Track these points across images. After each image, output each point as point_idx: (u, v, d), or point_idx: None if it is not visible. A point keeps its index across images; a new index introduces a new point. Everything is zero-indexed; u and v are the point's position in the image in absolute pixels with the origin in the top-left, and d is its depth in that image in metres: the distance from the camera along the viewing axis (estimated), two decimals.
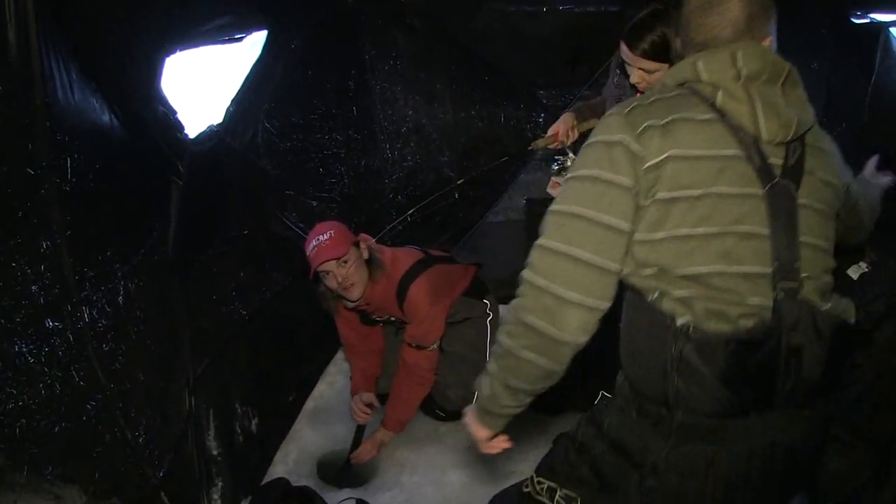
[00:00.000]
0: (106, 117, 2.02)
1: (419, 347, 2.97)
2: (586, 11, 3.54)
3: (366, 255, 2.83)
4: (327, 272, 2.73)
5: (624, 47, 2.11)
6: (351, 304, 2.89)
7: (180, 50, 2.22)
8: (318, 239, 2.71)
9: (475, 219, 4.19)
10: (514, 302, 1.51)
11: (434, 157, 3.86)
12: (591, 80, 3.83)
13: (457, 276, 3.14)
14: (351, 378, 3.28)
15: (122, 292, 2.02)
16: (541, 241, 1.45)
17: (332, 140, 3.42)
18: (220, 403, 2.65)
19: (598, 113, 2.65)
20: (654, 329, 1.47)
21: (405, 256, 2.98)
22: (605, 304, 1.43)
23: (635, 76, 2.16)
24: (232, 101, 2.79)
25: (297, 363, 3.38)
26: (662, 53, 2.04)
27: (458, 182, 2.71)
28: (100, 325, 1.90)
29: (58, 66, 1.70)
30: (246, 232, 3.00)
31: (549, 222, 1.46)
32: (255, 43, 2.77)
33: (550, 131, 2.59)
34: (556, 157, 2.62)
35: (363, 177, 3.65)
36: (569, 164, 2.57)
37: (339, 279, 2.72)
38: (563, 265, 1.41)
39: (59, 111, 1.72)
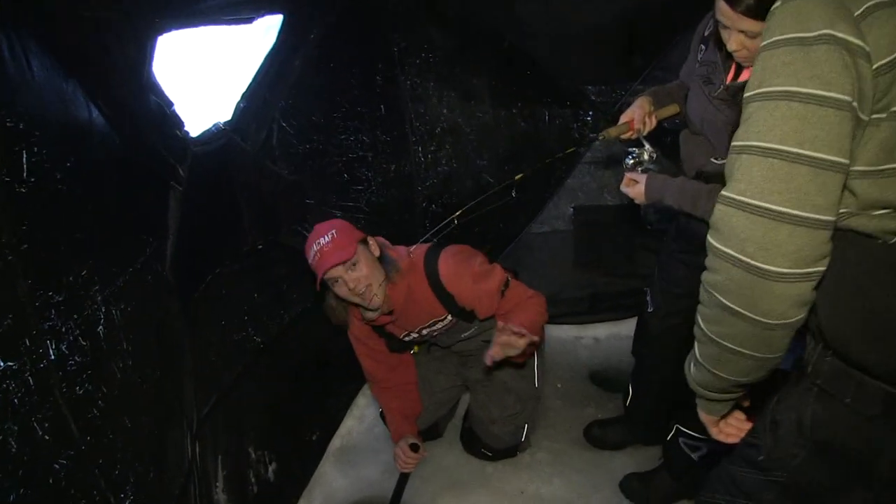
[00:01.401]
0: (83, 107, 1.65)
1: (505, 288, 2.49)
2: None
3: (377, 253, 2.42)
4: (336, 279, 2.31)
5: (722, 5, 1.71)
6: (372, 315, 2.46)
7: (177, 28, 1.84)
8: (318, 242, 2.30)
9: (517, 230, 3.79)
10: (703, 277, 1.24)
11: (472, 161, 3.46)
12: (646, 73, 3.41)
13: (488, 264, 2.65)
14: (386, 421, 2.86)
15: (102, 321, 1.64)
16: (727, 189, 1.13)
17: (358, 142, 3.04)
18: (230, 449, 2.26)
19: (677, 98, 2.25)
20: (890, 276, 1.07)
21: (417, 248, 2.56)
22: (818, 269, 1.09)
23: (733, 42, 1.77)
24: (242, 96, 2.42)
25: (320, 396, 2.98)
26: (769, 11, 1.66)
27: (503, 185, 2.28)
28: (71, 363, 1.52)
29: (5, 35, 1.33)
30: (259, 247, 2.64)
31: (735, 165, 1.12)
32: (269, 28, 2.39)
33: (624, 118, 2.18)
34: (629, 150, 2.22)
35: (393, 183, 3.25)
36: (645, 157, 2.18)
37: (352, 285, 2.30)
38: (756, 224, 1.06)
39: (8, 92, 1.34)
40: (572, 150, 2.87)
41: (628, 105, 3.48)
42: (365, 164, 3.10)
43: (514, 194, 2.22)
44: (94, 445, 1.58)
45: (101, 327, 1.64)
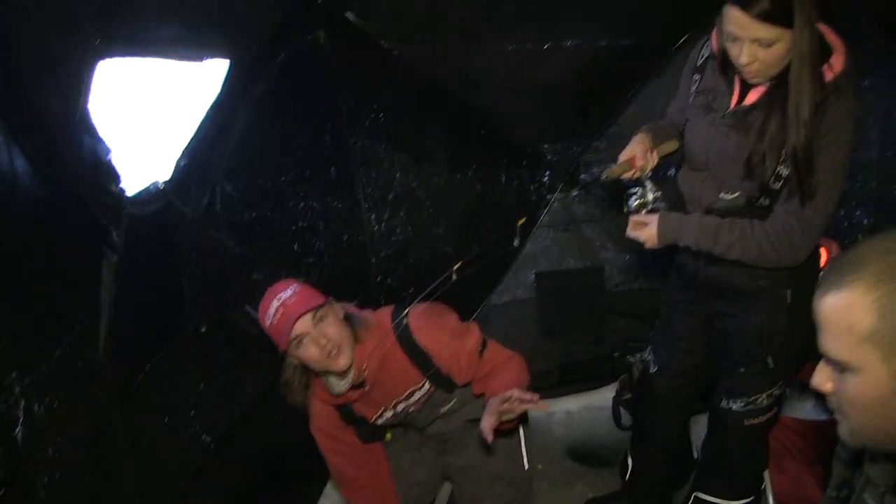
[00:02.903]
0: (2, 144, 1.31)
1: (483, 347, 2.24)
2: (597, 47, 3.00)
3: (341, 314, 2.15)
4: (302, 337, 2.02)
5: (735, 13, 1.65)
6: (340, 388, 2.16)
7: (120, 55, 1.53)
8: (279, 298, 2.04)
9: (478, 301, 3.52)
10: None
11: (428, 228, 3.20)
12: (605, 129, 3.30)
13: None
14: None
15: (21, 419, 1.25)
16: None
17: (308, 209, 2.74)
18: None
19: (672, 135, 2.09)
20: None
21: (381, 310, 2.30)
22: None
23: (746, 55, 1.68)
24: (183, 152, 2.10)
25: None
26: (786, 15, 1.60)
27: (455, 266, 2.05)
28: None
29: None
30: (204, 330, 2.26)
31: None
32: (215, 74, 2.10)
33: (624, 156, 1.99)
34: (631, 191, 2.03)
35: (346, 255, 2.95)
36: (650, 196, 1.98)
37: (323, 342, 2.02)
38: None
39: None
40: (572, 191, 2.70)
41: (586, 163, 3.43)
42: (316, 234, 2.80)
43: (516, 243, 1.99)
44: None
45: (19, 429, 1.25)
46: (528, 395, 1.93)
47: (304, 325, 2.00)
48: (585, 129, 3.32)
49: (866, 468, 1.18)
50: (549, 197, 3.44)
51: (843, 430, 1.09)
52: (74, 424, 1.44)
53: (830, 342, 1.04)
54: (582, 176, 3.35)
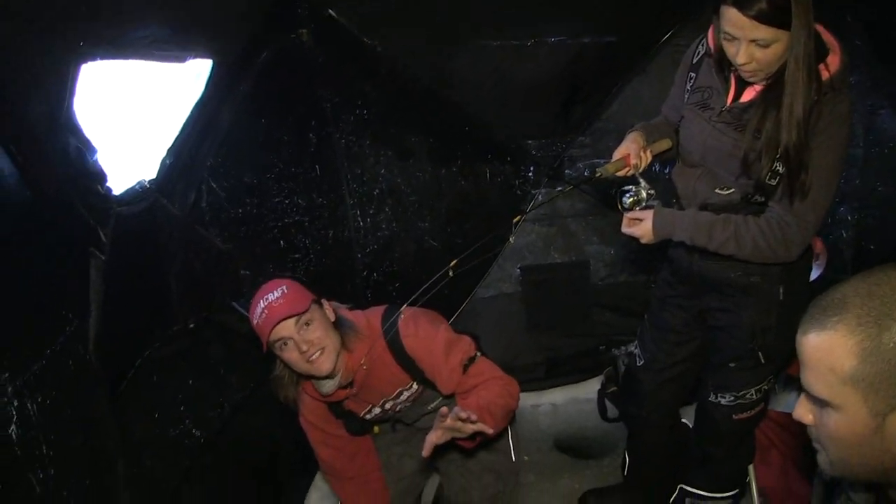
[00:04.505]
0: None
1: (469, 362, 2.16)
2: (581, 43, 3.03)
3: (332, 317, 2.13)
4: (286, 340, 1.99)
5: (732, 13, 1.63)
6: (330, 387, 2.14)
7: (102, 58, 1.54)
8: (267, 298, 2.00)
9: (463, 296, 3.54)
10: None
11: (413, 223, 3.23)
12: (589, 125, 3.33)
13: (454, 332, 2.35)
14: None
15: (14, 417, 1.27)
16: None
17: (294, 206, 2.76)
18: None
19: (666, 133, 2.10)
20: None
21: (373, 310, 2.28)
22: None
23: (743, 54, 1.67)
24: (168, 151, 2.12)
25: (272, 498, 2.56)
26: (784, 17, 1.59)
27: (452, 264, 2.00)
28: None
29: None
30: (192, 325, 2.28)
31: None
32: (198, 74, 2.12)
33: (618, 154, 1.99)
34: (625, 188, 2.03)
35: (331, 251, 2.97)
36: (644, 194, 2.00)
37: (304, 348, 1.99)
38: None
39: None
40: (570, 187, 2.81)
41: (571, 159, 3.46)
42: (302, 231, 2.82)
43: (512, 240, 2.00)
44: None
45: (13, 427, 1.26)
46: (475, 417, 1.83)
47: (286, 329, 1.98)
48: (569, 124, 3.34)
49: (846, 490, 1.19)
50: (533, 192, 3.46)
51: (822, 461, 1.11)
52: (66, 422, 1.46)
53: (812, 380, 1.05)
54: (567, 171, 3.37)
